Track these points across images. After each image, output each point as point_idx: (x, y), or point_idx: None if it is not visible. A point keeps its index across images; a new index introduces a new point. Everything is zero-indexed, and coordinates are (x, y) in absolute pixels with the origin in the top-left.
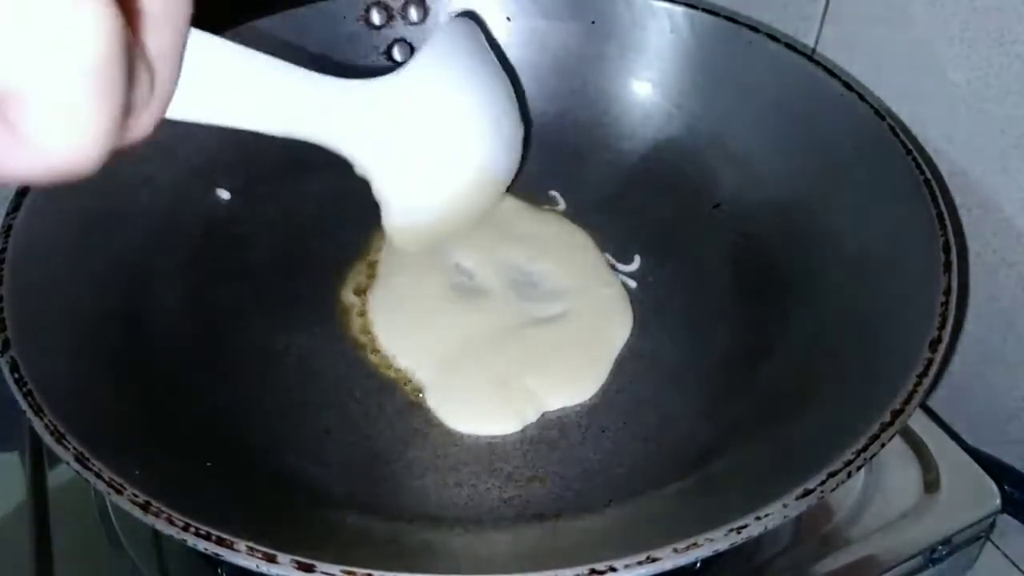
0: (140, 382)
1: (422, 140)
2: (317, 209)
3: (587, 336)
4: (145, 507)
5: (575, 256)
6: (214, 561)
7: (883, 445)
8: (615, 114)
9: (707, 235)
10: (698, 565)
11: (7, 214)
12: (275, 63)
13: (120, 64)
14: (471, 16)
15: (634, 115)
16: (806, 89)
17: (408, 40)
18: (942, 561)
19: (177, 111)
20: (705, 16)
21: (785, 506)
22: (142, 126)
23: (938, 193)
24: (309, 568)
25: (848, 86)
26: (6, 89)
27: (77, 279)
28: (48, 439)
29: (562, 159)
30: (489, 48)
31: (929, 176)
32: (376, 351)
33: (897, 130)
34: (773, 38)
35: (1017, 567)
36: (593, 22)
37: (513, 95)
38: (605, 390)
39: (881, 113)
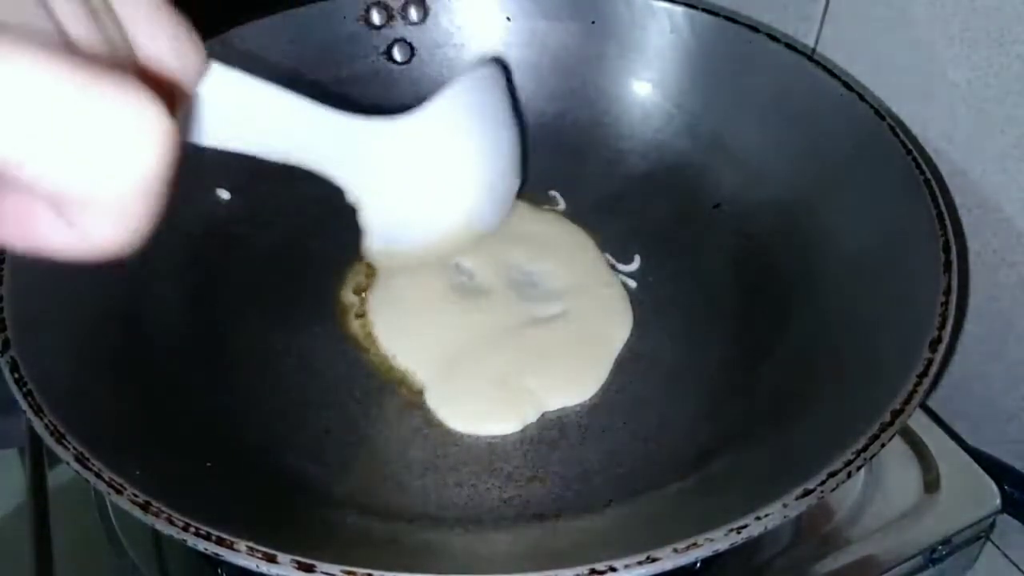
0: (140, 382)
1: (414, 185)
2: (317, 209)
3: (587, 336)
4: (145, 507)
5: (575, 256)
6: (214, 561)
7: (883, 445)
8: (615, 114)
9: (707, 235)
10: (698, 565)
11: None
12: (281, 93)
13: (171, 167)
14: (498, 62)
15: (634, 115)
16: (806, 89)
17: (408, 40)
18: (942, 561)
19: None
20: (705, 16)
21: (785, 506)
22: None
23: (938, 193)
24: (309, 568)
25: (848, 86)
26: (67, 196)
27: (77, 279)
28: (48, 439)
29: (562, 159)
30: (508, 100)
31: (929, 176)
32: (376, 351)
33: (897, 130)
34: (773, 38)
35: (1017, 567)
36: (593, 22)
37: (518, 151)
38: (605, 390)
39: (881, 113)
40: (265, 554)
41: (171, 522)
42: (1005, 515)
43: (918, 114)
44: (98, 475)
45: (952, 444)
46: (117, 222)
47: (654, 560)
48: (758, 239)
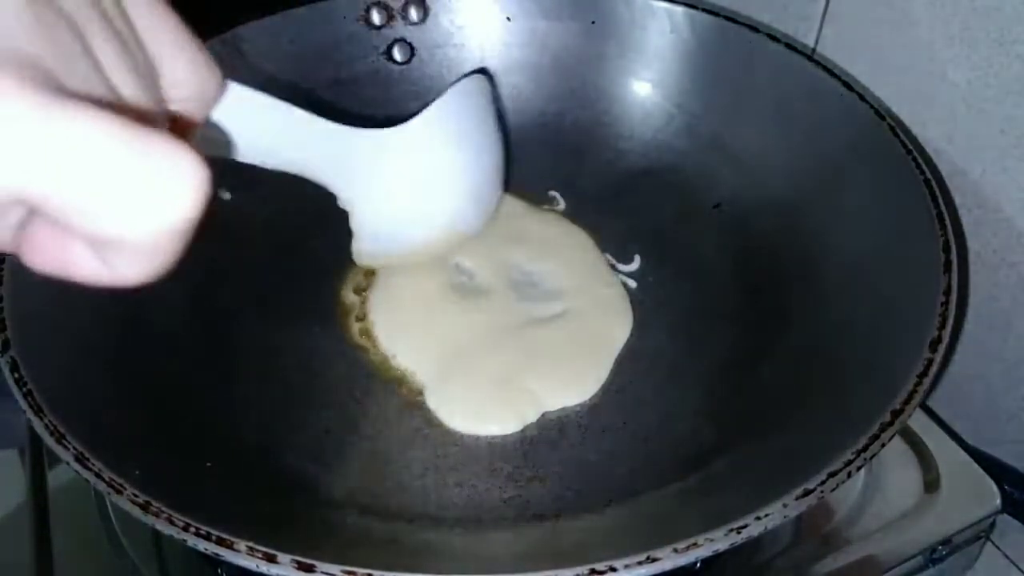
0: (140, 382)
1: (403, 191)
2: (317, 209)
3: (587, 336)
4: (145, 507)
5: (575, 256)
6: (214, 561)
7: (883, 445)
8: (615, 114)
9: (707, 235)
10: (698, 565)
11: None
12: (275, 104)
13: (202, 211)
14: (483, 73)
15: (634, 115)
16: (806, 89)
17: (408, 40)
18: (942, 561)
19: None
20: (705, 16)
21: (785, 506)
22: None
23: (938, 193)
24: (309, 568)
25: (848, 86)
26: (104, 237)
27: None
28: (48, 439)
29: (562, 159)
30: (493, 110)
31: (929, 176)
32: (376, 351)
33: (897, 130)
34: (773, 38)
35: (1017, 567)
36: (593, 22)
37: (502, 162)
38: (605, 390)
39: (881, 113)
40: (265, 554)
41: (171, 522)
42: (1005, 515)
43: (918, 114)
44: (98, 475)
45: (952, 444)
46: (147, 259)
47: (654, 560)
48: (758, 239)
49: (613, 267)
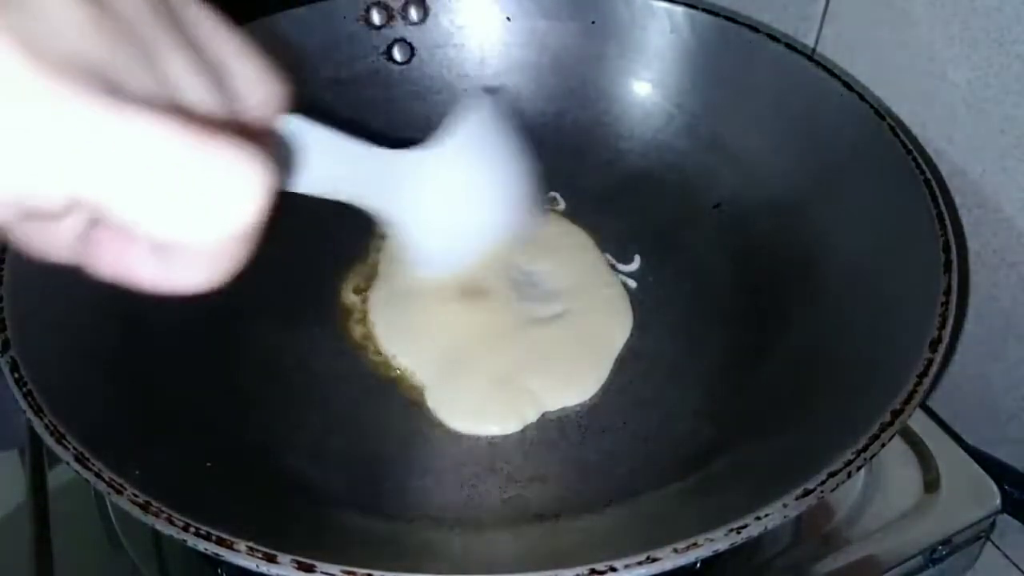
0: (140, 382)
1: (453, 208)
2: (317, 209)
3: (587, 336)
4: (145, 507)
5: (575, 256)
6: (214, 561)
7: (883, 445)
8: (615, 114)
9: (707, 235)
10: (698, 565)
11: None
12: (328, 133)
13: (266, 214)
14: (491, 92)
15: (634, 115)
16: (806, 89)
17: (408, 40)
18: (942, 561)
19: None
20: (705, 16)
21: (785, 506)
22: None
23: (938, 193)
24: (309, 568)
25: (848, 86)
26: (169, 242)
27: (77, 279)
28: (48, 439)
29: (562, 159)
30: (510, 126)
31: (929, 176)
32: (376, 351)
33: (897, 130)
34: (773, 38)
35: (1017, 567)
36: (593, 22)
37: (527, 172)
38: (605, 390)
39: (881, 113)
40: (265, 554)
41: (171, 522)
42: (1005, 515)
43: (918, 114)
44: (98, 475)
45: (952, 444)
46: (210, 265)
47: (654, 560)
48: (758, 239)
49: (613, 267)
